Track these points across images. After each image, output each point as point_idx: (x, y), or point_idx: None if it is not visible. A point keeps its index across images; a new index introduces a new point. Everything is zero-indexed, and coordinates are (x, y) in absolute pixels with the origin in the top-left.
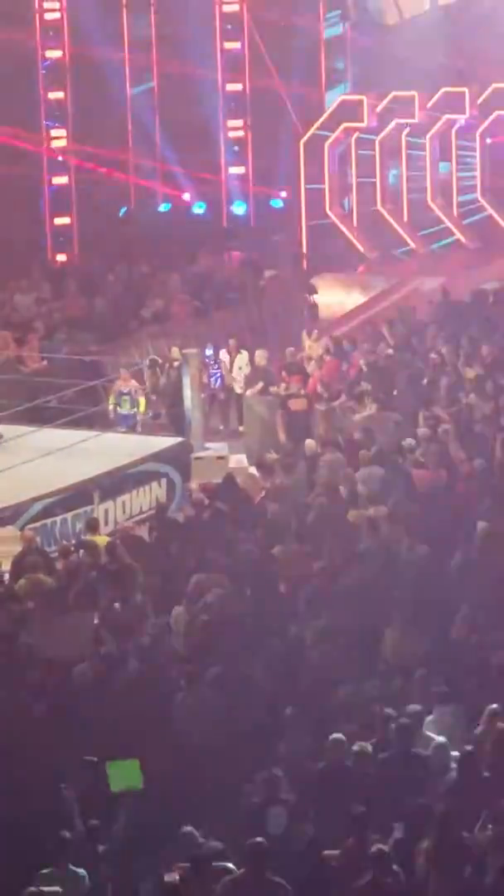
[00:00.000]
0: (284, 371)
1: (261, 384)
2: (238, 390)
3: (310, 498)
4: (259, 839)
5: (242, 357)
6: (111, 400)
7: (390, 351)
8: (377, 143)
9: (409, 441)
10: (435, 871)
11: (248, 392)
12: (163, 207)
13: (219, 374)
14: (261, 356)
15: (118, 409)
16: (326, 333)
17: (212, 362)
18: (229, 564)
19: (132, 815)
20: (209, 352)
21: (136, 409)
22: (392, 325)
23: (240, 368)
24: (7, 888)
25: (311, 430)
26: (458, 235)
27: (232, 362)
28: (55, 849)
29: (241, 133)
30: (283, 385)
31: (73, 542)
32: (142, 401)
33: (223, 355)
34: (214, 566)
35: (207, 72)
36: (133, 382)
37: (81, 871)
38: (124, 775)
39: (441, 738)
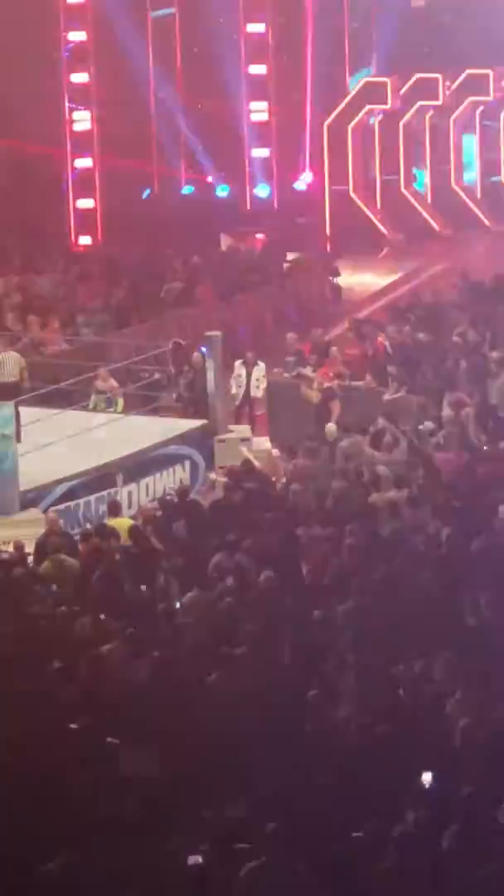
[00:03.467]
0: (314, 353)
1: (297, 370)
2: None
3: (333, 482)
4: (282, 824)
5: (260, 369)
6: (92, 398)
7: (421, 335)
8: (400, 125)
9: (427, 424)
10: (461, 855)
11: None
12: (186, 190)
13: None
14: (292, 340)
15: (97, 407)
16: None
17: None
18: (253, 547)
19: (155, 798)
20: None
21: (113, 409)
22: (416, 308)
23: (257, 380)
24: (25, 870)
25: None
26: (482, 218)
27: (249, 374)
28: (77, 831)
29: (264, 115)
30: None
31: (91, 525)
32: (119, 401)
33: (239, 368)
34: (238, 548)
35: (231, 54)
36: (112, 382)
37: (100, 850)
38: (139, 760)
39: (466, 720)
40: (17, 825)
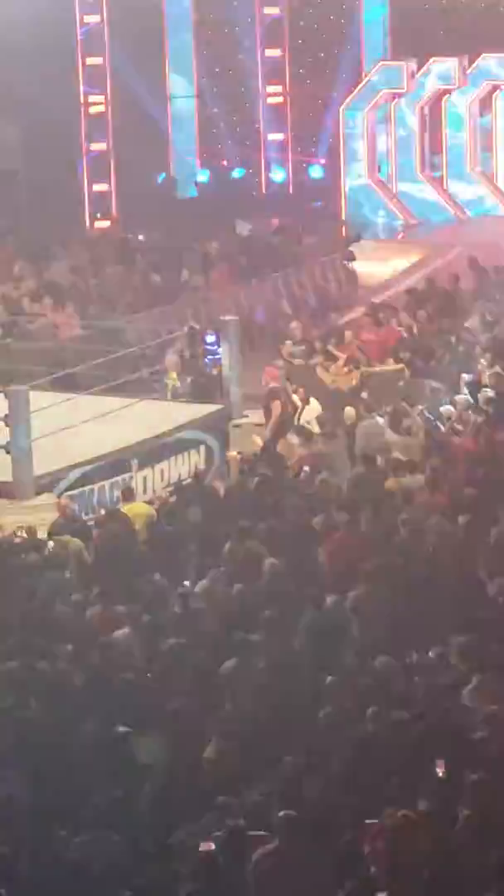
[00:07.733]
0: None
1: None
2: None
3: (353, 467)
4: (293, 810)
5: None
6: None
7: (436, 321)
8: (417, 109)
9: (447, 408)
10: (472, 842)
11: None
12: (202, 174)
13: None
14: (296, 328)
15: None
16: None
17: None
18: (269, 532)
19: (167, 785)
20: (210, 338)
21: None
22: (431, 293)
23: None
24: (41, 854)
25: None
26: (499, 202)
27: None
28: (88, 817)
29: (280, 99)
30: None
31: (102, 511)
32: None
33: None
34: (253, 534)
35: (247, 38)
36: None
37: (115, 836)
38: (152, 746)
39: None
40: (30, 806)
